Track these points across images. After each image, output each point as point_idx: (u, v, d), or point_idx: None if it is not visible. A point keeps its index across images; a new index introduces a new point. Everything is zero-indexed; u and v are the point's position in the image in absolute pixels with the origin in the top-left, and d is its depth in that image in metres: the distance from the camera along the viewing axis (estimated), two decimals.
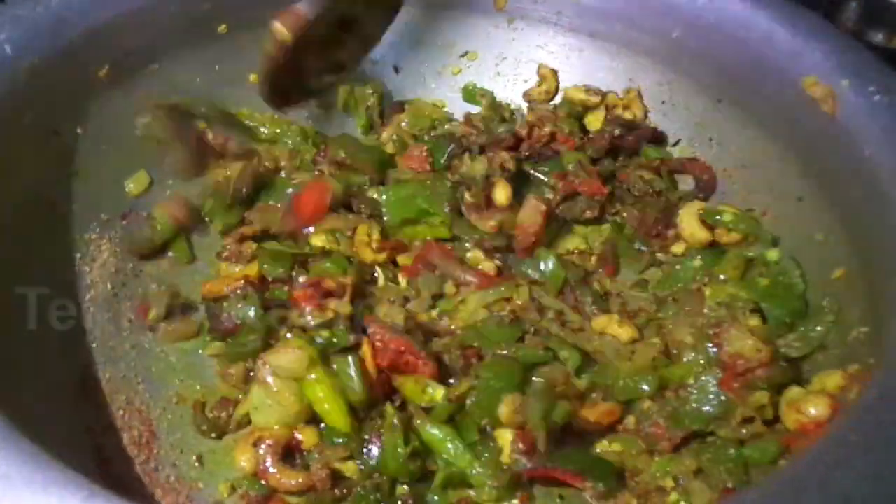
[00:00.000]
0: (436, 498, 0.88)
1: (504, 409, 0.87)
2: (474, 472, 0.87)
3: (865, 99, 0.95)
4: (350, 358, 0.89)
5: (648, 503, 0.89)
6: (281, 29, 1.00)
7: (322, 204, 1.09)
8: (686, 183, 1.17)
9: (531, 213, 1.07)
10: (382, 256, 1.06)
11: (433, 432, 0.88)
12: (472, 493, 0.88)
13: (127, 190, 1.10)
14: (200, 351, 1.03)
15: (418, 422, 0.89)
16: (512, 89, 1.27)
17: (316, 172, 1.14)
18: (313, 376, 0.89)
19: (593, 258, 1.11)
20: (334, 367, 0.90)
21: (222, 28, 1.13)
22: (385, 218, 1.09)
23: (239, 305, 0.99)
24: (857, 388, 0.82)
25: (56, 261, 1.01)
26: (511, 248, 1.09)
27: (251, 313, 0.98)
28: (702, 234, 1.07)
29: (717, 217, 1.06)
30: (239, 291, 1.00)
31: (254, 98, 1.13)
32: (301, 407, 0.90)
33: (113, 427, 0.96)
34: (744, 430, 0.89)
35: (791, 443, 0.85)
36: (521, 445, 0.85)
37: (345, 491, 0.88)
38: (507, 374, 0.90)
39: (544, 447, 0.85)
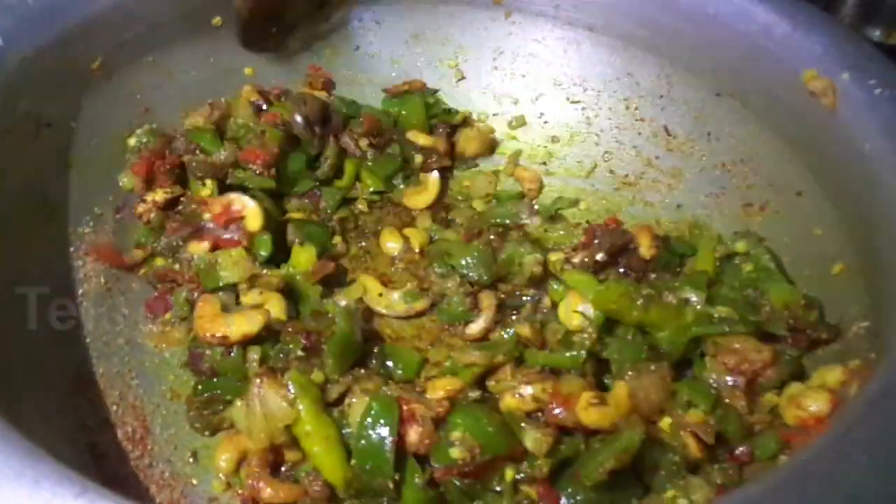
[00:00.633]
0: None
1: None
2: None
3: (866, 92, 0.94)
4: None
5: (647, 499, 0.88)
6: None
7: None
8: None
9: None
10: None
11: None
12: None
13: (121, 184, 1.09)
14: None
15: None
16: (509, 83, 1.26)
17: None
18: (308, 428, 0.86)
19: None
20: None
21: (217, 20, 1.12)
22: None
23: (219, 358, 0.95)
24: (857, 384, 0.81)
25: (49, 255, 1.00)
26: None
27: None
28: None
29: None
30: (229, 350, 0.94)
31: None
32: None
33: (107, 423, 0.95)
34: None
35: (791, 438, 0.84)
36: None
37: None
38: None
39: None
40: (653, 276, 1.03)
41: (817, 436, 0.70)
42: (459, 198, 1.23)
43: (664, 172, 1.18)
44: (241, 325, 0.93)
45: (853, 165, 0.93)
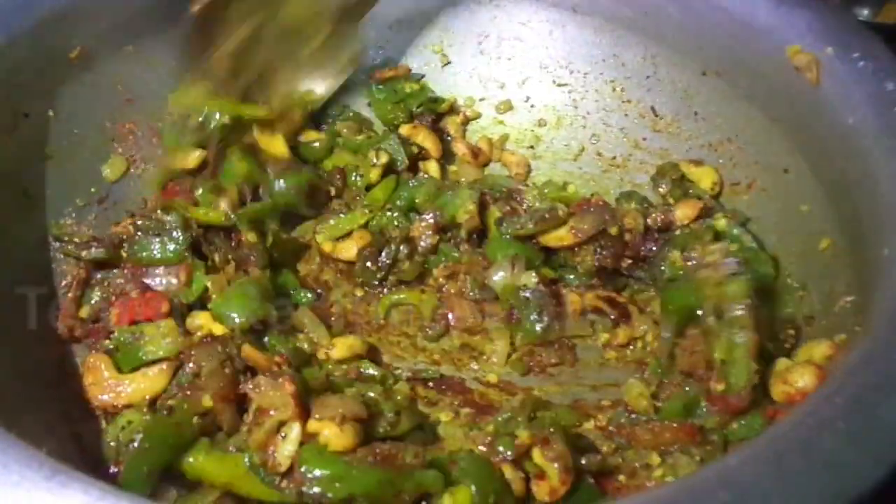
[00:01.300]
0: None
1: None
2: None
3: (849, 66, 0.93)
4: None
5: (637, 478, 0.87)
6: None
7: None
8: None
9: None
10: None
11: None
12: None
13: (104, 175, 1.08)
14: None
15: None
16: (495, 67, 1.25)
17: None
18: None
19: None
20: None
21: (197, 8, 1.11)
22: None
23: None
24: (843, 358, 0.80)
25: (29, 247, 0.99)
26: None
27: None
28: None
29: None
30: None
31: None
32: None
33: (91, 414, 0.94)
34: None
35: (777, 414, 0.83)
36: None
37: None
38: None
39: None
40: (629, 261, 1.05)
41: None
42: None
43: (652, 153, 1.18)
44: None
45: (838, 140, 0.92)
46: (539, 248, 1.07)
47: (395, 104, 1.23)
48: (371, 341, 1.03)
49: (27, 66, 0.97)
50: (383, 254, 1.07)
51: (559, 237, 1.05)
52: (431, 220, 1.08)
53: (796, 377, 0.83)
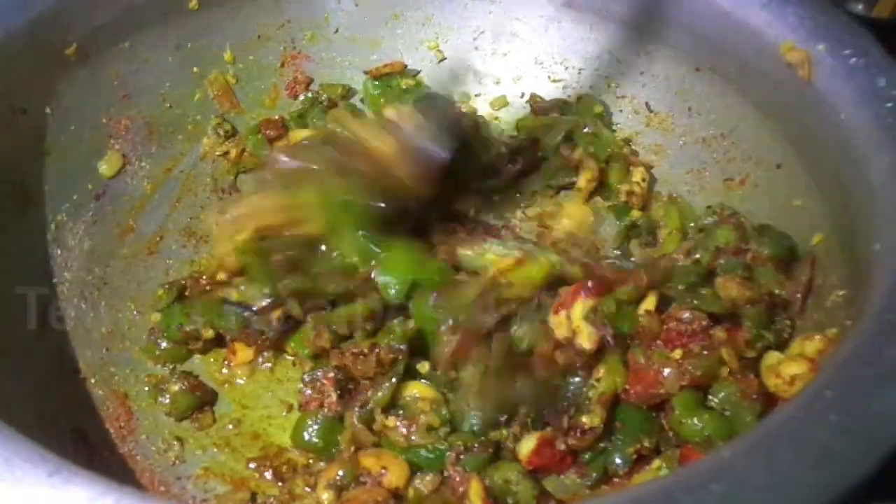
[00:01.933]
0: None
1: None
2: None
3: (841, 62, 0.94)
4: None
5: (633, 470, 0.88)
6: None
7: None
8: None
9: None
10: None
11: None
12: None
13: (100, 171, 1.09)
14: None
15: None
16: (491, 63, 1.26)
17: None
18: None
19: None
20: None
21: (193, 4, 1.12)
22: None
23: None
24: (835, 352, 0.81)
25: (26, 243, 0.99)
26: None
27: None
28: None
29: None
30: None
31: None
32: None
33: (90, 408, 0.96)
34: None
35: (770, 407, 0.84)
36: None
37: None
38: None
39: None
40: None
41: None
42: None
43: (646, 149, 1.18)
44: None
45: (830, 135, 0.93)
46: None
47: (391, 100, 1.23)
48: None
49: (24, 62, 0.97)
50: None
51: None
52: None
53: (788, 371, 0.84)
